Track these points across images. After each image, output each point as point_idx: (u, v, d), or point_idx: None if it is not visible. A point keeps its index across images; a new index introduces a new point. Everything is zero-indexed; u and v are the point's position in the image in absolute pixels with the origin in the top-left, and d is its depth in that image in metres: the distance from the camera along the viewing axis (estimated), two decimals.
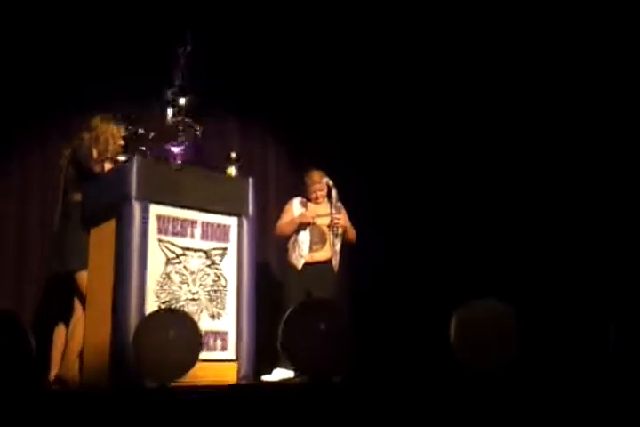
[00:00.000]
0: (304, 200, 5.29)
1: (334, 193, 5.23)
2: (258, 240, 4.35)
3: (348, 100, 6.71)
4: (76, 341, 4.21)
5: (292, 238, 5.23)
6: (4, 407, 2.70)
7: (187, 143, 4.41)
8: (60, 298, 4.53)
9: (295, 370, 4.19)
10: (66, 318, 4.41)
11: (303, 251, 5.14)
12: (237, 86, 6.39)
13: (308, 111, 6.65)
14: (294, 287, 5.10)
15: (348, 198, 5.38)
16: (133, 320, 3.63)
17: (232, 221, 4.19)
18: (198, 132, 4.38)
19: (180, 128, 4.28)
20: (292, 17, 6.30)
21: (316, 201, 5.23)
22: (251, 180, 4.32)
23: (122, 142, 4.21)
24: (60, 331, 4.45)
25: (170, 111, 4.34)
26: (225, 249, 4.14)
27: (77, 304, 4.34)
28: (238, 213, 4.21)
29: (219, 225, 4.14)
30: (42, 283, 5.40)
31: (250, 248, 4.22)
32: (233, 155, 4.40)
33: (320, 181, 5.20)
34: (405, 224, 6.47)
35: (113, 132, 4.51)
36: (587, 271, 5.14)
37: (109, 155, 4.43)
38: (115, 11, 5.64)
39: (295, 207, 5.27)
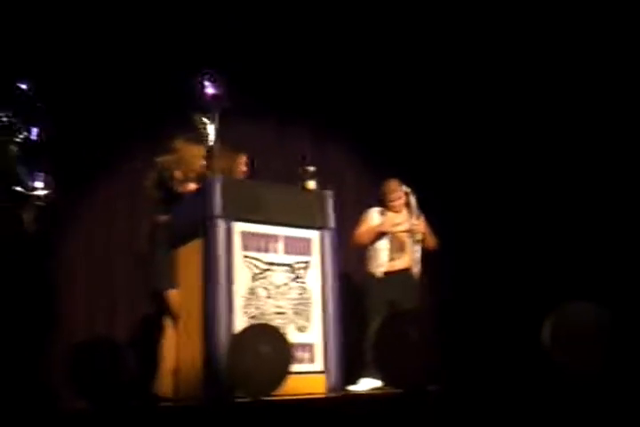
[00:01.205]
0: (382, 210, 5.29)
1: (413, 200, 5.23)
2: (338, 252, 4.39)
3: (425, 108, 6.72)
4: (169, 358, 4.30)
5: (371, 247, 5.23)
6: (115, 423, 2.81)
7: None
8: (151, 317, 4.65)
9: (383, 380, 4.21)
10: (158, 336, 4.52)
11: (382, 259, 5.14)
12: (312, 97, 6.49)
13: (382, 119, 6.69)
14: (375, 297, 5.10)
15: (428, 206, 5.38)
16: (223, 336, 3.71)
17: (314, 235, 4.23)
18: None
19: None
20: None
21: (394, 210, 5.23)
22: (330, 192, 4.37)
23: (204, 162, 4.32)
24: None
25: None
26: (308, 262, 4.18)
27: (168, 322, 4.44)
28: (319, 226, 4.25)
29: (301, 239, 4.19)
30: (131, 303, 5.58)
31: (332, 260, 4.25)
32: (311, 168, 4.45)
33: (398, 190, 5.21)
34: (488, 228, 6.40)
35: (195, 153, 4.61)
36: None
37: (192, 175, 4.55)
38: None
39: (374, 217, 5.27)
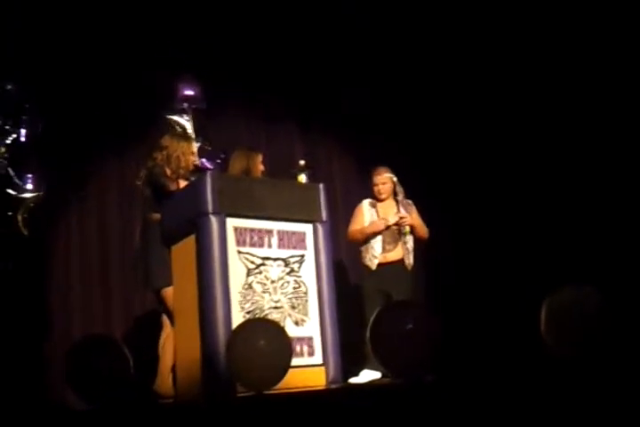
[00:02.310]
0: (373, 201, 5.30)
1: (399, 189, 5.24)
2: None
3: (412, 99, 6.71)
4: (168, 356, 4.31)
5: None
6: (113, 420, 2.81)
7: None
8: (148, 315, 4.65)
9: (383, 371, 4.22)
10: (156, 334, 4.52)
11: (376, 252, 5.16)
12: (297, 89, 6.50)
13: (370, 110, 6.69)
14: (370, 288, 5.12)
15: (418, 197, 5.38)
16: (221, 332, 3.70)
17: (307, 228, 4.22)
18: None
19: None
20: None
21: (379, 196, 5.24)
22: (322, 185, 4.37)
23: (193, 158, 4.32)
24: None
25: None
26: (302, 256, 4.18)
27: (165, 320, 4.44)
28: (312, 219, 4.24)
29: (294, 233, 4.18)
30: (127, 302, 5.58)
31: (327, 254, 4.25)
32: (302, 162, 4.48)
33: (383, 173, 5.23)
34: (478, 218, 6.41)
35: (184, 150, 4.61)
36: None
37: (182, 172, 4.55)
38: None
39: (365, 209, 5.28)
